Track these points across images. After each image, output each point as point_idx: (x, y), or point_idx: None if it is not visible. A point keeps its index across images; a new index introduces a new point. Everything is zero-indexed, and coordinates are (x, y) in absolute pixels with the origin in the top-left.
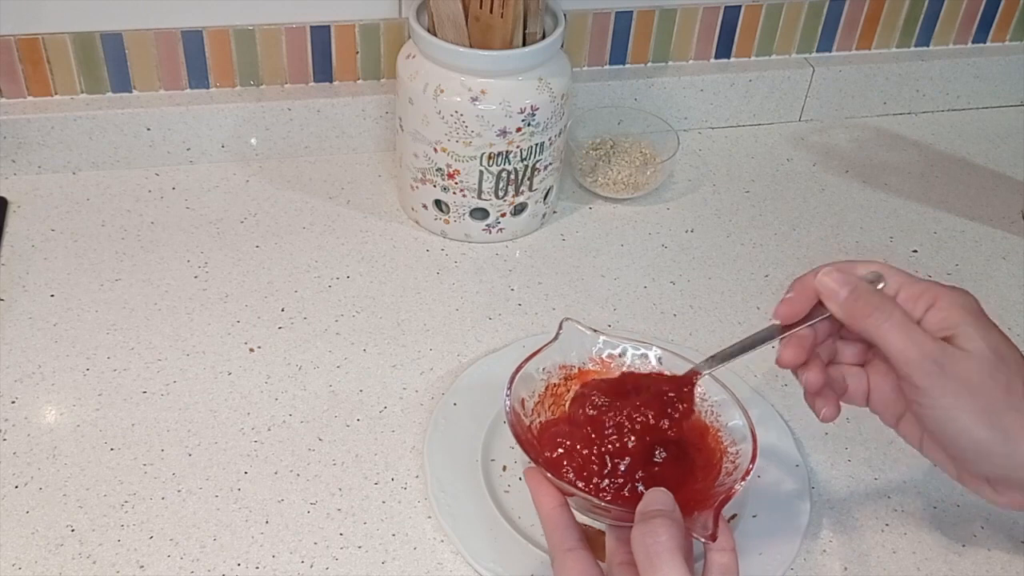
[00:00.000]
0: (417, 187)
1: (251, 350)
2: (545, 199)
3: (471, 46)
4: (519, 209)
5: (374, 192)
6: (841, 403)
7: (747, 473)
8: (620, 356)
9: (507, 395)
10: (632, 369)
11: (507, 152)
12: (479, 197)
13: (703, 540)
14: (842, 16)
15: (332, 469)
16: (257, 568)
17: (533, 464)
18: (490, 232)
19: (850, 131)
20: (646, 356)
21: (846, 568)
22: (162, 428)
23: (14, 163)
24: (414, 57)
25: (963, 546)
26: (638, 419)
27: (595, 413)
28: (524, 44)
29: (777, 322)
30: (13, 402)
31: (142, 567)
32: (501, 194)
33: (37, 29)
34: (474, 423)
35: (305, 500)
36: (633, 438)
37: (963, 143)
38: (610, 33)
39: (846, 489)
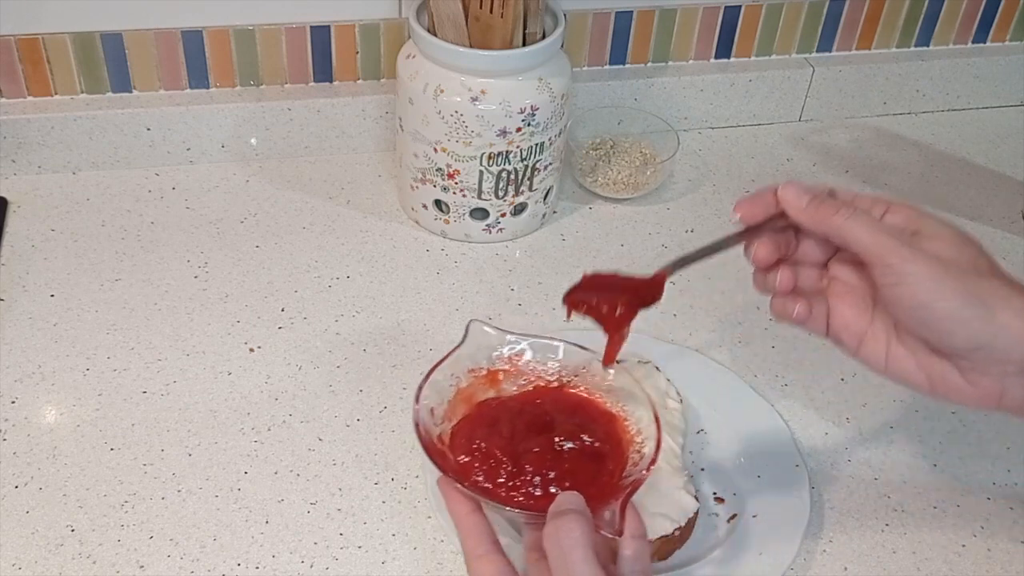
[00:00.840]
0: (417, 187)
1: (251, 350)
2: (545, 199)
3: (471, 46)
4: (519, 209)
5: (374, 192)
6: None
7: (652, 462)
8: (525, 355)
9: (416, 407)
10: (538, 369)
11: (507, 152)
12: (479, 197)
13: (610, 535)
14: (842, 16)
15: (332, 469)
16: (257, 568)
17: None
18: (490, 232)
19: (850, 131)
20: (551, 351)
21: (846, 568)
22: (162, 428)
23: (14, 163)
24: (414, 57)
25: (963, 546)
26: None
27: (505, 397)
28: (524, 44)
29: (738, 217)
30: (13, 402)
31: (142, 567)
32: (501, 194)
33: (37, 29)
34: None
35: (305, 500)
36: (543, 434)
37: (963, 143)
38: (610, 33)
39: (846, 489)
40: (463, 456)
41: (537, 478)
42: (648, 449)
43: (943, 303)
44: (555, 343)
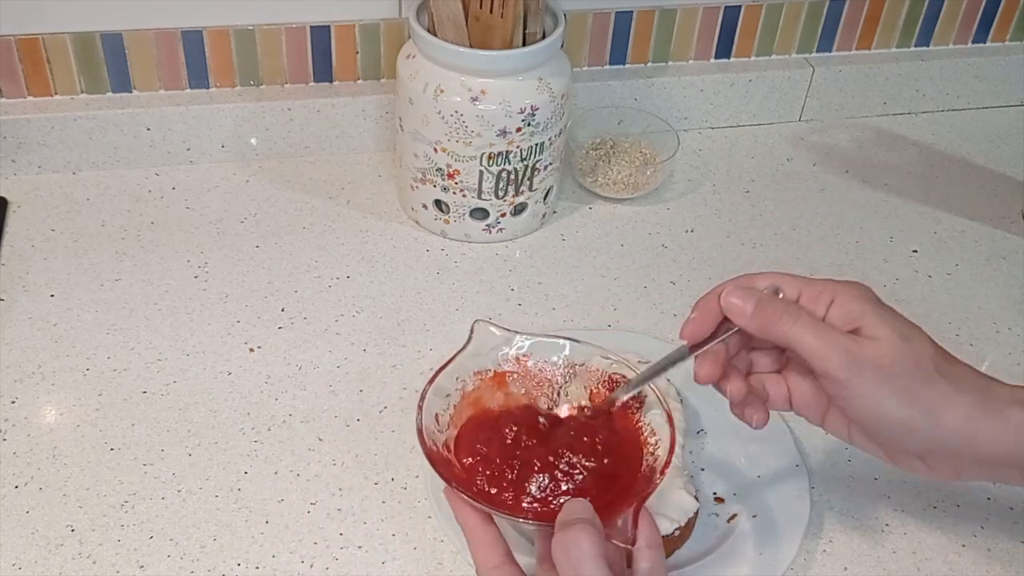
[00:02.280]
0: (417, 187)
1: (251, 350)
2: (545, 199)
3: (471, 46)
4: (519, 209)
5: (374, 192)
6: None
7: (666, 466)
8: (532, 355)
9: (419, 413)
10: (543, 366)
11: (507, 152)
12: (479, 197)
13: (622, 545)
14: (842, 16)
15: (332, 469)
16: (257, 568)
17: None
18: (490, 232)
19: (850, 131)
20: (557, 349)
21: (846, 568)
22: (162, 428)
23: (14, 163)
24: (414, 57)
25: (963, 546)
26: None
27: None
28: (524, 44)
29: (684, 341)
30: (13, 402)
31: (142, 567)
32: (501, 194)
33: (37, 29)
34: None
35: (305, 500)
36: (547, 446)
37: (963, 143)
38: (610, 33)
39: (846, 489)
40: (467, 458)
41: (547, 488)
42: (662, 451)
43: (887, 418)
44: (561, 342)
